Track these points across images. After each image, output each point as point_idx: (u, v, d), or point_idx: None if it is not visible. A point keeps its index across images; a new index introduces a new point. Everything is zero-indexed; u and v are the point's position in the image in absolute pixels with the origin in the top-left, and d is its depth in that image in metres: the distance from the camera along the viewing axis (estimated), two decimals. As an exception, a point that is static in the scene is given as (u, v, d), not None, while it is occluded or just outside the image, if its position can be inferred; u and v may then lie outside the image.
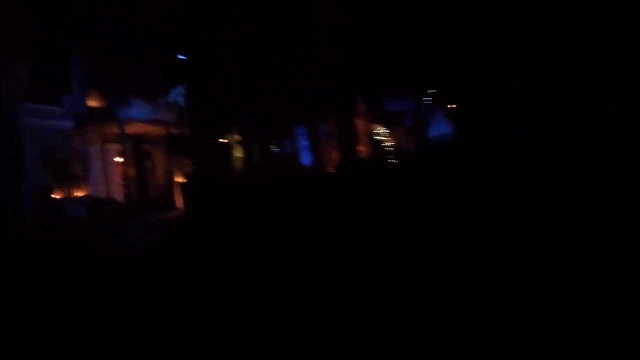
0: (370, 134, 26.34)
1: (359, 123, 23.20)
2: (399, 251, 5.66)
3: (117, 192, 16.77)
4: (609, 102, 13.31)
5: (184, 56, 13.10)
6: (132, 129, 16.52)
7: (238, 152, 25.22)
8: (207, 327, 4.19)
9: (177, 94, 16.93)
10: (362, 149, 20.79)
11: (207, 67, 12.87)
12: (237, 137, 24.70)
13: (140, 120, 15.62)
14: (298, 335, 3.74)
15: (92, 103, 16.50)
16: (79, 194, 16.05)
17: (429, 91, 28.11)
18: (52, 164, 15.29)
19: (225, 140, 24.34)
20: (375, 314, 3.84)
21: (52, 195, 14.58)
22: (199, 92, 12.36)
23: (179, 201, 17.75)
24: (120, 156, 17.24)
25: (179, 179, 18.99)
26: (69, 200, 15.47)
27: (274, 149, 29.57)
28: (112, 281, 6.24)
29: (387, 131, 28.30)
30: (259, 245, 6.68)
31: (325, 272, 5.26)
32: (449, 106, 28.08)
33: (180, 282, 5.55)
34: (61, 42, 15.61)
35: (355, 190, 10.32)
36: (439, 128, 29.17)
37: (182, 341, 3.90)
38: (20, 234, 11.75)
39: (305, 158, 28.36)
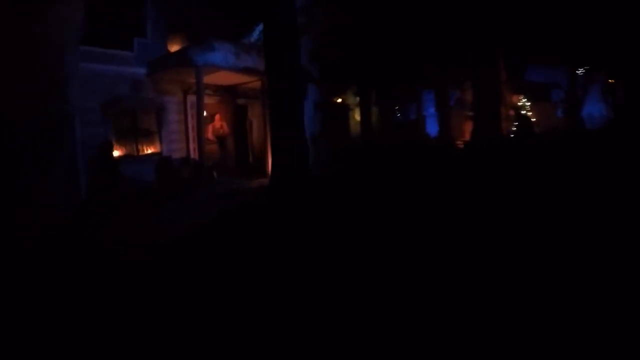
0: (510, 106, 20.49)
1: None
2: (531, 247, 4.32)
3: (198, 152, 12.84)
4: None
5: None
6: (219, 78, 12.41)
7: (356, 115, 21.07)
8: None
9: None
10: (500, 122, 15.18)
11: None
12: (355, 98, 20.53)
13: (226, 67, 11.40)
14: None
15: (171, 48, 12.53)
16: (149, 151, 12.42)
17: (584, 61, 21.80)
18: (117, 115, 11.79)
19: (341, 101, 20.49)
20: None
21: (113, 152, 11.10)
22: (283, 30, 7.63)
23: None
24: (205, 110, 13.33)
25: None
26: (134, 158, 12.05)
27: (397, 114, 25.39)
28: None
29: (529, 104, 22.29)
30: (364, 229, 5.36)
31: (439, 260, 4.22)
32: (609, 80, 22.97)
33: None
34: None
35: (489, 170, 8.93)
36: (592, 106, 23.54)
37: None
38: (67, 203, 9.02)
39: (432, 128, 23.75)
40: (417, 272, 4.00)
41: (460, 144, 18.82)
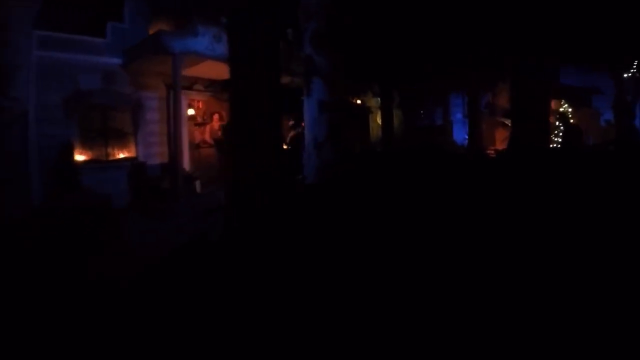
0: (553, 112, 17.79)
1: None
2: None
3: (184, 158, 10.41)
4: None
5: None
6: (209, 70, 10.09)
7: (378, 118, 18.74)
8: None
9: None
10: (548, 130, 12.57)
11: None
12: (376, 100, 18.40)
13: (212, 57, 9.05)
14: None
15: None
16: (121, 155, 10.14)
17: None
18: (84, 113, 9.58)
19: (361, 102, 18.07)
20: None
21: (75, 157, 8.90)
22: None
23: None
24: (193, 108, 11.06)
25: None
26: (103, 164, 9.82)
27: (422, 119, 23.08)
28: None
29: (570, 110, 19.41)
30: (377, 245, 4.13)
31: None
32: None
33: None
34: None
35: (524, 182, 7.13)
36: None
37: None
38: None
39: (458, 134, 21.41)
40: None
41: (491, 152, 16.16)
